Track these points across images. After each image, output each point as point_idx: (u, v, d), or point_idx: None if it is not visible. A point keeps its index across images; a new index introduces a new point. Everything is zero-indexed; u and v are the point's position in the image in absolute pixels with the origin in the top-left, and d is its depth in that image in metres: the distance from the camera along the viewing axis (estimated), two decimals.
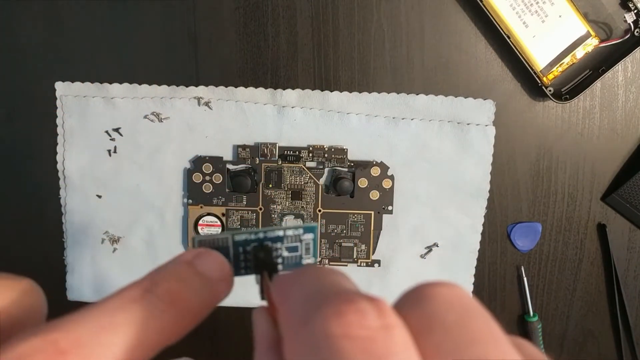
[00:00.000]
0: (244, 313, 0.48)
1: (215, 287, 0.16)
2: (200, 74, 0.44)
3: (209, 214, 0.46)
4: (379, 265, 0.47)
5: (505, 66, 0.44)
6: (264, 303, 0.16)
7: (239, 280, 0.18)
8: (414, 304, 0.13)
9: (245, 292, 0.43)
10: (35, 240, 0.48)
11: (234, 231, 0.17)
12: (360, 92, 0.44)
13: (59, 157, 0.46)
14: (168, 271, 0.15)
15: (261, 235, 0.17)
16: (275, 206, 0.46)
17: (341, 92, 0.44)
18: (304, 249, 0.17)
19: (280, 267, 0.17)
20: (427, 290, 0.13)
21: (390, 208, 0.45)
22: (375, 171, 0.45)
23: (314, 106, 0.44)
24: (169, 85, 0.45)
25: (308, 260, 0.17)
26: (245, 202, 0.45)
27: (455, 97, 0.44)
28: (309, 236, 0.17)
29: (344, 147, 0.44)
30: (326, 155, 0.45)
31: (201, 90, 0.44)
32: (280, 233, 0.17)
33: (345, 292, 0.13)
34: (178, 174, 0.46)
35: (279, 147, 0.45)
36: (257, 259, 0.17)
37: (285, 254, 0.17)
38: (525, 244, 0.47)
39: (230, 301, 0.50)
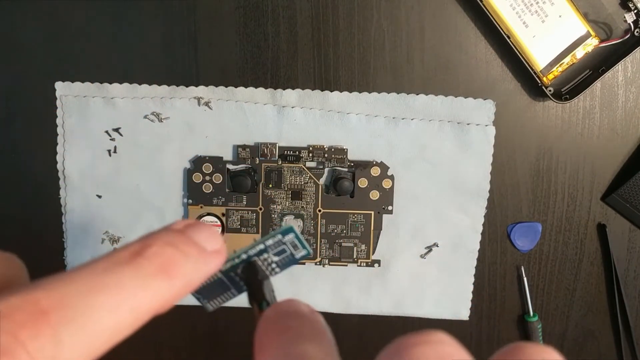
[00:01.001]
0: (244, 314, 0.48)
1: (208, 258, 0.15)
2: (200, 74, 0.44)
3: (209, 214, 0.46)
4: (379, 265, 0.47)
5: (505, 66, 0.44)
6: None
7: None
8: None
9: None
10: (35, 240, 0.48)
11: None
12: (360, 92, 0.44)
13: (59, 157, 0.46)
14: (160, 236, 0.14)
15: (244, 256, 0.17)
16: (275, 206, 0.46)
17: (341, 92, 0.44)
18: (291, 247, 0.18)
19: (277, 270, 0.18)
20: (407, 355, 0.12)
21: (390, 208, 0.45)
22: (375, 171, 0.45)
23: (314, 106, 0.44)
24: (169, 85, 0.45)
25: (301, 253, 0.18)
26: (245, 202, 0.45)
27: (455, 97, 0.44)
28: (289, 237, 0.17)
29: (344, 147, 0.44)
30: (326, 155, 0.45)
31: (201, 90, 0.44)
32: (262, 246, 0.17)
33: None
34: (178, 174, 0.46)
35: (279, 147, 0.45)
36: (247, 279, 0.17)
37: (276, 258, 0.18)
38: (525, 244, 0.47)
39: (230, 302, 0.50)
